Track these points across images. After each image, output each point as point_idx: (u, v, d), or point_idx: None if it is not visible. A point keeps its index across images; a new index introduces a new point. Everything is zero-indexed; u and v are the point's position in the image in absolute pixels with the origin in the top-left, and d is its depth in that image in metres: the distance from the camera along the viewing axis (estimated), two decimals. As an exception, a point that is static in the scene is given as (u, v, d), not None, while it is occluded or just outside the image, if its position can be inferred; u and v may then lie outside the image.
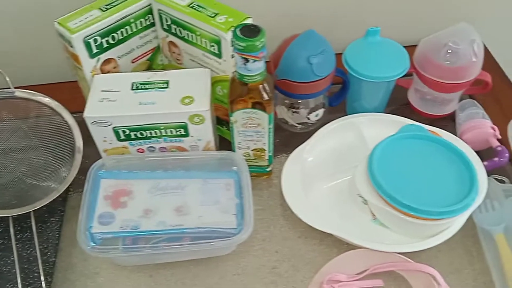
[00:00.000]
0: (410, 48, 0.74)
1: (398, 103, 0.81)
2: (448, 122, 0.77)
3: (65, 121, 0.67)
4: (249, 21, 0.59)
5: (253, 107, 0.57)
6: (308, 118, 0.72)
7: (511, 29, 0.95)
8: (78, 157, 0.67)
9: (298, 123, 0.74)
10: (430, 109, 0.76)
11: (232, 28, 0.56)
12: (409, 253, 0.60)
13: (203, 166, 0.63)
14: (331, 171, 0.68)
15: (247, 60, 0.53)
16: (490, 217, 0.63)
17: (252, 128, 0.60)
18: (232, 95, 0.57)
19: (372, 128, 0.71)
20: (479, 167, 0.65)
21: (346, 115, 0.73)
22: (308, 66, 0.63)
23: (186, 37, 0.64)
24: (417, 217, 0.57)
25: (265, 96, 0.57)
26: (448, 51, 0.67)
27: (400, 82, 0.76)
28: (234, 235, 0.57)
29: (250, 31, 0.51)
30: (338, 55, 0.71)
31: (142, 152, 0.65)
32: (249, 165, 0.67)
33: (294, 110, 0.71)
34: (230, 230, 0.57)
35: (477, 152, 0.72)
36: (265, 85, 0.57)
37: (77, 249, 0.64)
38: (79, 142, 0.67)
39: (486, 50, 0.90)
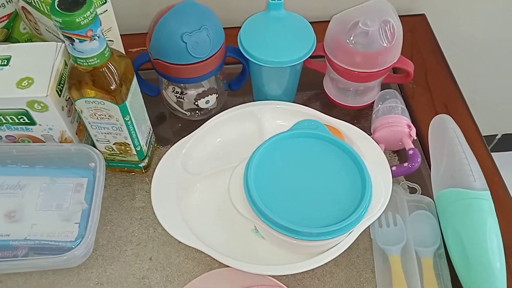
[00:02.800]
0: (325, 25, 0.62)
1: (316, 89, 0.71)
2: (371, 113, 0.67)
3: None
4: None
5: (96, 96, 0.47)
6: (197, 105, 0.61)
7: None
8: None
9: (189, 110, 0.63)
10: (344, 99, 0.65)
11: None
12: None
13: (55, 161, 0.53)
14: (217, 169, 0.58)
15: (71, 40, 0.41)
16: (390, 233, 0.54)
17: (104, 119, 0.50)
18: (70, 80, 0.46)
19: (274, 119, 0.61)
20: (385, 173, 0.55)
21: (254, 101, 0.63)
22: (182, 45, 0.52)
23: (33, 3, 0.52)
24: (292, 238, 0.47)
25: (112, 84, 0.46)
26: (356, 33, 0.55)
27: (313, 66, 0.65)
28: (70, 249, 0.47)
29: (72, 2, 0.40)
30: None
31: (-14, 141, 0.55)
32: (117, 160, 0.57)
33: (178, 95, 0.60)
34: (66, 243, 0.48)
35: (397, 153, 0.63)
36: (112, 69, 0.46)
37: None
38: None
39: (429, 30, 0.79)
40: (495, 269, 0.47)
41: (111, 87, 0.46)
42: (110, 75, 0.46)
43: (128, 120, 0.50)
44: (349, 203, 0.49)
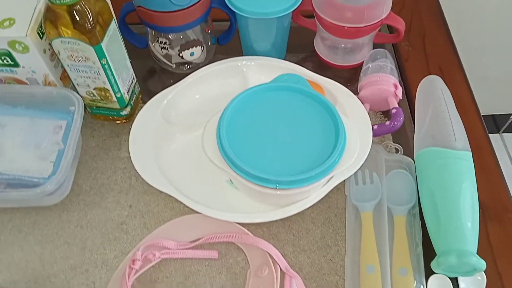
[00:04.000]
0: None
1: (308, 50, 0.69)
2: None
3: None
4: None
5: (71, 36, 0.47)
6: (182, 57, 0.61)
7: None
8: None
9: (176, 63, 0.63)
10: (334, 57, 0.64)
11: None
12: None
13: (37, 103, 0.54)
14: (197, 121, 0.58)
15: (42, -26, 0.42)
16: (364, 190, 0.53)
17: (82, 62, 0.50)
18: (46, 20, 0.47)
19: (258, 74, 0.61)
20: (365, 130, 0.54)
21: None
22: (163, -9, 0.52)
23: None
24: (260, 186, 0.47)
25: (86, 23, 0.46)
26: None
27: (303, 23, 0.64)
28: (42, 185, 0.49)
29: None
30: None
31: (-26, 82, 0.56)
32: (99, 106, 0.58)
33: (162, 45, 0.60)
34: (40, 180, 0.49)
35: (387, 115, 0.62)
36: (86, 8, 0.46)
37: None
38: None
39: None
40: (466, 229, 0.46)
41: (85, 27, 0.46)
42: (83, 15, 0.46)
43: (105, 64, 0.51)
44: (321, 155, 0.49)
